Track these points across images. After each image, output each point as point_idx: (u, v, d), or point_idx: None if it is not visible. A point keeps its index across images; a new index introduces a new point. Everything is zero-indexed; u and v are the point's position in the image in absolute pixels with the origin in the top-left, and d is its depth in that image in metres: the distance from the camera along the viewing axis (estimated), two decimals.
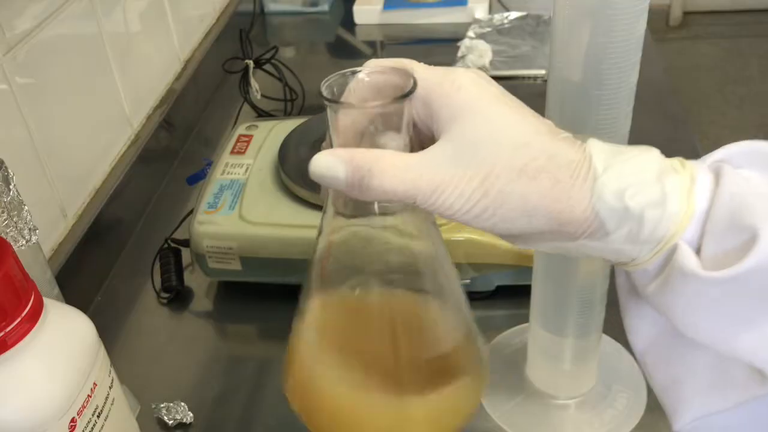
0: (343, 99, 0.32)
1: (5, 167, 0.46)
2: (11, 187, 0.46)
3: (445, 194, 0.30)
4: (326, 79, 0.32)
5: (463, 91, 0.31)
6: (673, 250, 0.30)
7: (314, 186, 0.64)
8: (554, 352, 0.53)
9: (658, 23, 1.26)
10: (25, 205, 0.47)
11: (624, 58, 0.39)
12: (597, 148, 0.31)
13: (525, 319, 0.54)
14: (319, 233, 0.36)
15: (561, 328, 0.51)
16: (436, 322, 0.37)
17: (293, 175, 0.65)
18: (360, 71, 0.33)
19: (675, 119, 0.87)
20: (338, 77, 0.32)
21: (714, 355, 0.32)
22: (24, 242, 0.47)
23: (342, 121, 0.32)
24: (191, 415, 0.56)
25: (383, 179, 0.30)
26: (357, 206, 0.34)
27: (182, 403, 0.57)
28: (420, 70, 0.32)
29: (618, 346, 0.59)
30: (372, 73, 0.33)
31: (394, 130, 0.32)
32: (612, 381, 0.56)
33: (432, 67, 0.33)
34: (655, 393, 0.36)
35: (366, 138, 0.32)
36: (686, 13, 1.35)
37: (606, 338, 0.57)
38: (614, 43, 0.38)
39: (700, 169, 0.31)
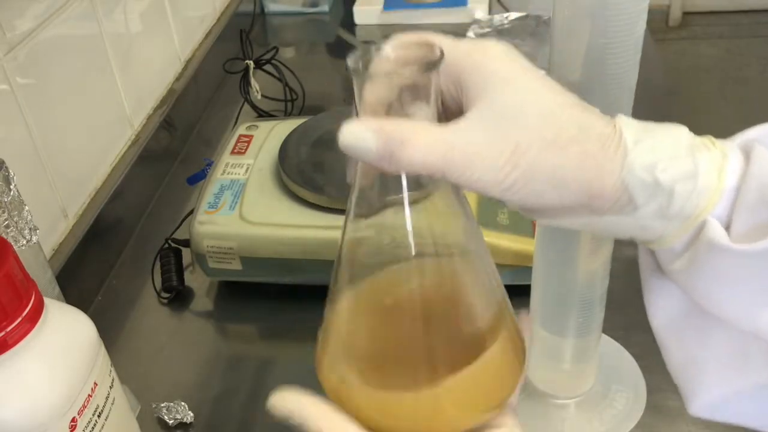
0: (370, 71, 0.32)
1: (6, 167, 0.46)
2: (12, 187, 0.46)
3: (476, 166, 0.29)
4: (351, 52, 0.31)
5: (494, 61, 0.30)
6: (702, 227, 0.30)
7: (314, 186, 0.64)
8: (554, 352, 0.53)
9: (658, 23, 1.26)
10: (25, 205, 0.47)
11: (624, 58, 0.39)
12: (626, 123, 0.31)
13: None
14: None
15: (561, 328, 0.51)
16: (476, 296, 0.36)
17: (293, 175, 0.66)
18: (385, 46, 0.32)
19: (675, 119, 0.87)
20: (363, 50, 0.31)
21: (734, 334, 0.32)
22: (25, 242, 0.47)
23: (368, 93, 0.31)
24: (191, 414, 0.56)
25: (414, 151, 0.29)
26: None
27: (182, 403, 0.57)
28: (447, 42, 0.31)
29: (618, 346, 0.59)
30: (397, 47, 0.32)
31: (422, 101, 0.31)
32: (611, 381, 0.56)
33: (458, 39, 0.32)
34: (670, 372, 0.35)
35: (393, 111, 0.31)
36: (686, 14, 1.35)
37: (605, 338, 0.57)
38: (614, 44, 0.38)
39: (730, 147, 0.31)
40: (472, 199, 0.64)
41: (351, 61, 0.31)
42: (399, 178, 0.32)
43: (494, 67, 0.30)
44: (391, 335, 0.35)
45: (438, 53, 0.30)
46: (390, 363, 0.35)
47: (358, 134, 0.30)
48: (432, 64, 0.30)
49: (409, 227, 0.34)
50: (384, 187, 0.33)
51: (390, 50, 0.32)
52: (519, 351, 0.36)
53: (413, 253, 0.34)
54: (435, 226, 0.34)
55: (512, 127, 0.29)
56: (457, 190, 0.34)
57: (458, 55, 0.31)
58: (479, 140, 0.30)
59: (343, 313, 0.36)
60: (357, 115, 0.32)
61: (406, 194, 0.33)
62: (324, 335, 0.37)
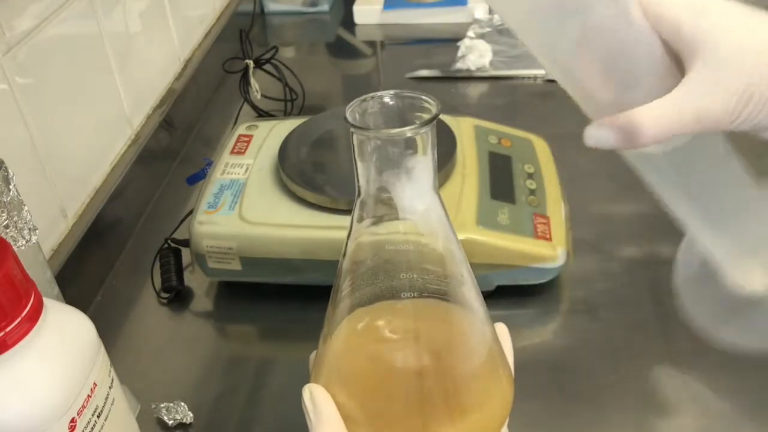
0: None
1: (5, 167, 0.46)
2: (11, 186, 0.46)
3: (710, 115, 0.33)
4: (350, 104, 0.32)
5: (711, 15, 0.33)
6: None
7: (314, 186, 0.64)
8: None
9: None
10: (25, 204, 0.47)
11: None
12: None
13: (525, 319, 0.54)
14: (344, 254, 0.35)
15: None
16: (467, 335, 0.36)
17: (293, 175, 0.65)
18: (383, 95, 0.33)
19: None
20: (360, 102, 0.32)
21: None
22: (24, 242, 0.46)
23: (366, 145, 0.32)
24: (191, 415, 0.56)
25: (649, 130, 0.33)
26: (379, 215, 0.34)
27: (182, 403, 0.57)
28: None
29: None
30: (395, 97, 0.33)
31: (420, 153, 0.32)
32: None
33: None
34: None
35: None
36: None
37: None
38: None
39: None
40: (471, 200, 0.64)
41: (349, 113, 0.32)
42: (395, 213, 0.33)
43: (711, 20, 0.33)
44: (385, 382, 0.35)
45: (435, 108, 0.31)
46: (384, 409, 0.35)
47: (598, 136, 0.34)
48: (428, 120, 0.31)
49: (403, 263, 0.34)
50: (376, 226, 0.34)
51: (389, 99, 0.33)
52: (508, 382, 0.36)
53: (406, 290, 0.34)
54: (426, 258, 0.35)
55: (738, 70, 0.32)
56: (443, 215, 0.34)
57: (678, 9, 0.33)
58: (708, 93, 0.32)
59: (339, 352, 0.36)
60: (355, 169, 0.33)
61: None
62: (318, 365, 0.37)
